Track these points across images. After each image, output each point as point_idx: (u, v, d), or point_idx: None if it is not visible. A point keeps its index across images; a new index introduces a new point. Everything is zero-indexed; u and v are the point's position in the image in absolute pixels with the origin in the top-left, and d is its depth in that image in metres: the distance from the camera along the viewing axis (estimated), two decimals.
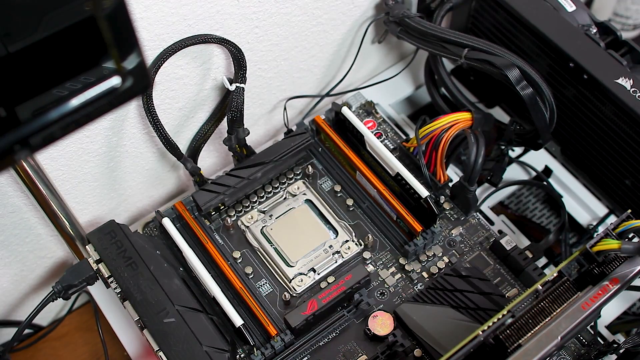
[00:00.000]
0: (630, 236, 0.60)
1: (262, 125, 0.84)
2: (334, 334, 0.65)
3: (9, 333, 0.81)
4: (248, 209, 0.73)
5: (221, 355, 0.60)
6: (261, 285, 0.68)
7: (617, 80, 0.68)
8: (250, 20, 0.70)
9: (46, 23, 0.37)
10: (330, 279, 0.68)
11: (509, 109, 0.86)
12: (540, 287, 0.59)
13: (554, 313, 0.57)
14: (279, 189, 0.74)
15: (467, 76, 0.86)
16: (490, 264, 0.69)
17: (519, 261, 0.67)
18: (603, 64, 0.69)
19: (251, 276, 0.69)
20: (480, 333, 0.54)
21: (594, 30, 0.73)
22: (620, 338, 0.70)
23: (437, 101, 0.84)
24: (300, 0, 0.72)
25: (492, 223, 0.77)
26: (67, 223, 0.69)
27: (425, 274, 0.68)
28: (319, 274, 0.68)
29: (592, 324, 0.69)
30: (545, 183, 0.82)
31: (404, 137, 0.78)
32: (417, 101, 0.92)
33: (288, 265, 0.69)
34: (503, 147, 0.77)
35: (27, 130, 0.38)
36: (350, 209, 0.73)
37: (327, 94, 0.86)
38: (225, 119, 0.72)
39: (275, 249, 0.70)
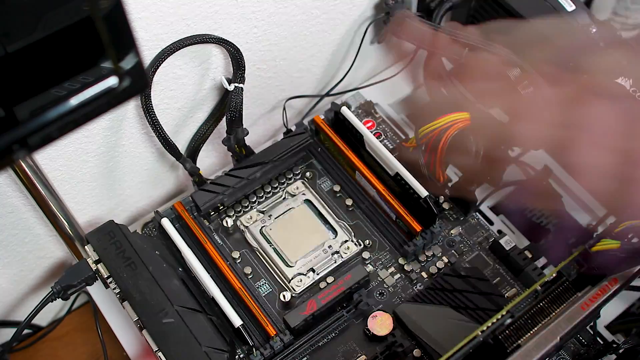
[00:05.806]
0: (629, 236, 0.60)
1: (261, 126, 0.84)
2: (333, 334, 0.65)
3: (8, 333, 0.81)
4: (247, 209, 0.73)
5: (220, 356, 0.60)
6: (260, 286, 0.68)
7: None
8: (249, 20, 0.70)
9: (44, 23, 0.37)
10: (330, 279, 0.68)
11: None
12: (540, 287, 0.59)
13: (553, 313, 0.57)
14: (278, 189, 0.74)
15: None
16: (489, 264, 0.69)
17: (519, 261, 0.67)
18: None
19: (250, 276, 0.69)
20: (480, 333, 0.54)
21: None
22: (619, 338, 0.70)
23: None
24: (299, 0, 0.72)
25: (491, 223, 0.77)
26: (66, 223, 0.69)
27: (424, 274, 0.68)
28: (318, 274, 0.68)
29: (592, 324, 0.69)
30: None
31: (403, 137, 0.78)
32: (416, 101, 0.92)
33: (287, 265, 0.68)
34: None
35: (25, 130, 0.38)
36: (350, 209, 0.73)
37: (327, 94, 0.85)
38: (224, 119, 0.72)
39: (275, 249, 0.70)
